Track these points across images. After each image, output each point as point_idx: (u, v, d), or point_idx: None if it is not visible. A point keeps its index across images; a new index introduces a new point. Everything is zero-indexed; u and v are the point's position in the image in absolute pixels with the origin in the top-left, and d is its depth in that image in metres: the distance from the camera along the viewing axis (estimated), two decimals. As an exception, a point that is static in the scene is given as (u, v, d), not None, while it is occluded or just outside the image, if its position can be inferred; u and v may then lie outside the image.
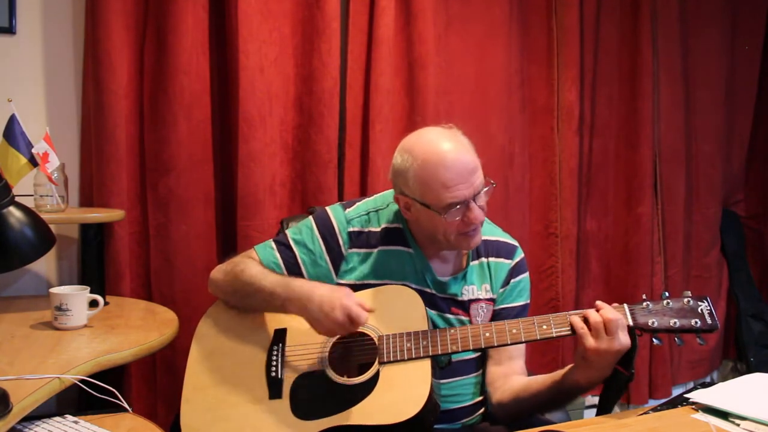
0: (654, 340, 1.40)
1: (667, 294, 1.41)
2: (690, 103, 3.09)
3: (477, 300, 1.60)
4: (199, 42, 2.18)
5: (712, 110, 3.14)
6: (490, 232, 1.66)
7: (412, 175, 1.47)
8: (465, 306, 1.59)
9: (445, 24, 2.56)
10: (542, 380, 1.49)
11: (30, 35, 2.11)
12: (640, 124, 2.93)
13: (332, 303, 1.39)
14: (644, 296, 1.43)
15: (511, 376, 1.57)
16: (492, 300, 1.62)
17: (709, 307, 1.38)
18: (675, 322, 1.37)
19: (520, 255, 1.66)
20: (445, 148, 1.46)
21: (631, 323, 1.38)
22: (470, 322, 1.58)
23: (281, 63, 2.30)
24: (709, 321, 1.37)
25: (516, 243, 1.68)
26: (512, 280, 1.63)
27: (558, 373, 1.46)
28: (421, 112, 2.43)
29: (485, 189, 1.49)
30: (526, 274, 1.67)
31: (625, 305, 1.40)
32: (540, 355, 2.76)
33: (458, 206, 1.45)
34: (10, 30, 2.08)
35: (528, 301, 1.66)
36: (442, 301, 1.58)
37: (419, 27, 2.43)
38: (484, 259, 1.62)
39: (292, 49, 2.33)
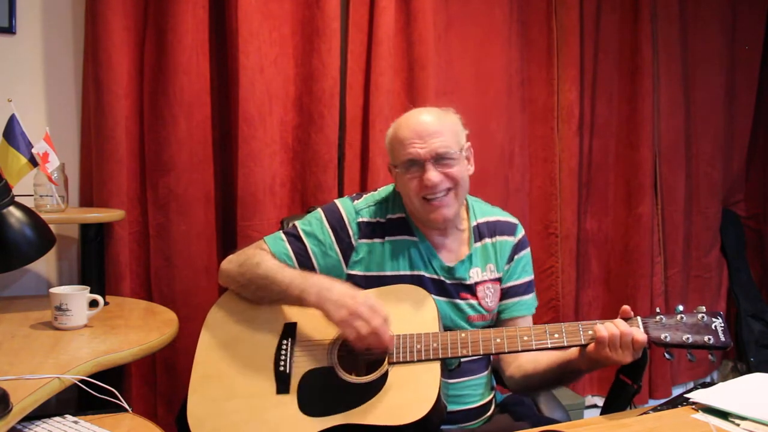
0: (666, 354, 1.40)
1: (680, 308, 1.40)
2: (690, 103, 3.09)
3: (483, 282, 1.62)
4: (199, 42, 2.18)
5: (712, 110, 3.14)
6: (490, 212, 1.69)
7: (387, 141, 1.61)
8: (472, 289, 1.61)
9: (445, 24, 2.56)
10: (548, 362, 1.52)
11: (30, 35, 2.11)
12: (640, 124, 2.93)
13: (355, 294, 1.42)
14: (657, 309, 1.43)
15: (520, 354, 1.59)
16: (498, 279, 1.64)
17: (722, 325, 1.37)
18: (688, 338, 1.37)
19: (521, 231, 1.70)
20: (413, 113, 1.60)
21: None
22: (479, 304, 1.60)
23: (281, 63, 2.30)
24: (722, 338, 1.36)
25: (516, 221, 1.71)
26: (516, 256, 1.66)
27: (563, 358, 1.48)
28: (421, 112, 2.43)
29: (449, 156, 1.53)
30: (528, 250, 1.70)
31: (639, 318, 1.40)
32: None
33: (413, 164, 1.53)
34: (10, 30, 2.09)
35: (532, 276, 1.70)
36: (451, 287, 1.60)
37: (419, 27, 2.43)
38: (487, 240, 1.65)
39: (292, 49, 2.33)
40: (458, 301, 1.59)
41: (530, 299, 1.67)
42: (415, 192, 1.54)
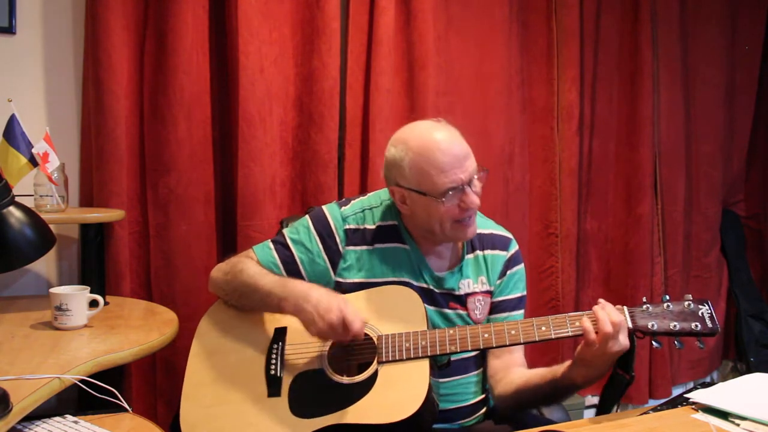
0: (653, 343, 1.40)
1: (667, 297, 1.41)
2: (690, 104, 3.09)
3: (474, 293, 1.60)
4: (199, 42, 2.18)
5: (712, 110, 3.14)
6: (484, 225, 1.67)
7: (407, 164, 1.49)
8: (462, 300, 1.60)
9: (445, 24, 2.56)
10: (541, 376, 1.50)
11: (30, 35, 2.11)
12: (640, 124, 2.93)
13: (329, 305, 1.40)
14: (644, 299, 1.43)
15: (511, 368, 1.58)
16: (489, 292, 1.63)
17: (709, 311, 1.37)
18: (675, 326, 1.37)
19: (515, 247, 1.68)
20: (438, 136, 1.50)
21: (630, 326, 1.37)
22: (468, 315, 1.59)
23: (281, 63, 2.30)
24: (709, 325, 1.36)
25: (510, 235, 1.69)
26: (508, 272, 1.65)
27: (556, 371, 1.46)
28: (421, 112, 2.43)
29: (478, 175, 1.52)
30: (522, 266, 1.68)
31: (625, 308, 1.40)
32: (540, 355, 2.76)
33: (455, 191, 1.47)
34: (10, 30, 2.08)
35: (524, 293, 1.67)
36: (440, 296, 1.58)
37: (419, 27, 2.43)
38: (479, 252, 1.63)
39: (292, 49, 2.33)
40: (447, 310, 1.58)
41: (519, 315, 1.64)
42: (451, 217, 1.49)
